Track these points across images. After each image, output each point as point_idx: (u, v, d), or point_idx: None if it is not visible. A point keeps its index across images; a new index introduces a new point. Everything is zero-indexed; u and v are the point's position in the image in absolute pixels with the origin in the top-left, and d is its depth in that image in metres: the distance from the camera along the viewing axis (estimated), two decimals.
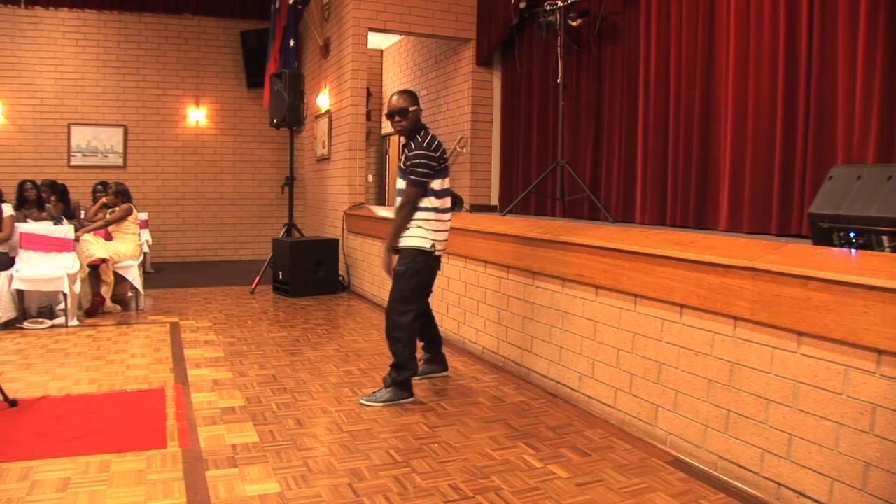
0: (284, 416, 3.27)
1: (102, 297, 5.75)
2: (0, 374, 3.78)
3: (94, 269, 5.69)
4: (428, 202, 3.47)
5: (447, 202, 3.55)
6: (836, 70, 3.53)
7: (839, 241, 2.59)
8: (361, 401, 3.49)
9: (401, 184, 3.53)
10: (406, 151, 3.50)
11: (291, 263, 6.80)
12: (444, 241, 3.57)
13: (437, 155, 3.45)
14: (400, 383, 3.50)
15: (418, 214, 3.47)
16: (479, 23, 7.33)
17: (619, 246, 3.14)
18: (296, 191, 8.18)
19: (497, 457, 2.82)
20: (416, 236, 3.46)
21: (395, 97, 3.53)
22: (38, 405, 3.37)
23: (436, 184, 3.47)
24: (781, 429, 2.39)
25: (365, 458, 2.79)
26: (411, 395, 3.53)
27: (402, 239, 3.49)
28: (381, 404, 3.44)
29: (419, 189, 3.43)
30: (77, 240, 5.66)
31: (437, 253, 3.51)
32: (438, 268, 3.60)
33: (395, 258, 3.59)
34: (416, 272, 3.47)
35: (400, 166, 3.56)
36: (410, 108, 3.49)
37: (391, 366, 3.54)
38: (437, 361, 3.99)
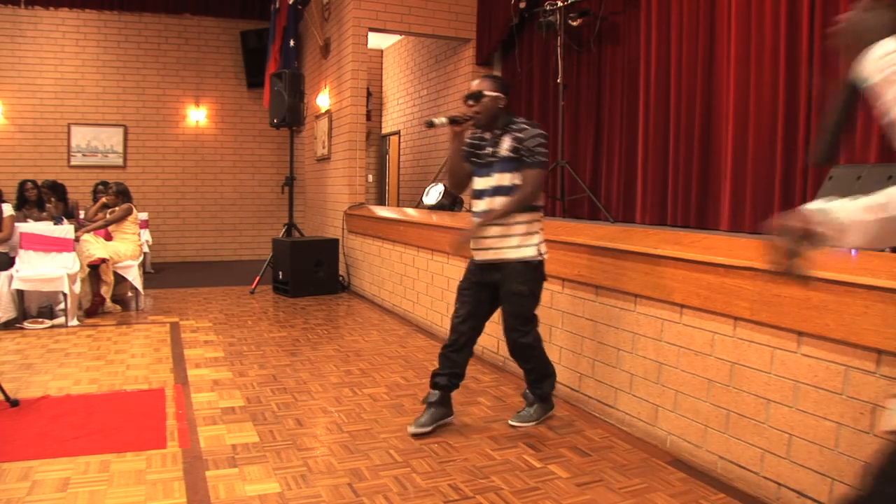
0: (284, 416, 3.27)
1: (102, 297, 5.75)
2: (0, 374, 3.78)
3: (94, 269, 5.69)
4: (540, 199, 3.00)
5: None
6: (838, 69, 3.53)
7: None
8: (511, 423, 3.17)
9: (505, 178, 2.97)
10: (506, 141, 2.95)
11: (291, 263, 6.80)
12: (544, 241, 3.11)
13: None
14: (545, 397, 3.21)
15: (526, 217, 2.96)
16: (479, 23, 7.33)
17: (619, 246, 3.14)
18: (296, 191, 8.18)
19: (497, 457, 2.82)
20: (525, 245, 2.97)
21: (477, 80, 3.04)
22: (38, 405, 3.36)
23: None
24: (781, 429, 2.39)
25: (365, 458, 2.79)
26: (552, 405, 3.29)
27: (506, 251, 2.98)
28: (534, 423, 3.17)
29: (545, 172, 2.90)
30: (77, 240, 5.66)
31: (544, 258, 3.05)
32: (545, 276, 3.12)
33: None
34: (536, 292, 3.04)
35: (492, 159, 3.02)
36: (487, 93, 2.94)
37: (532, 381, 3.19)
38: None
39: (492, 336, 4.35)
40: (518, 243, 2.97)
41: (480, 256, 3.07)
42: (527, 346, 3.08)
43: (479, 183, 3.07)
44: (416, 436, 3.02)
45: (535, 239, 2.99)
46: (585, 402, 3.46)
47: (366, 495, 2.45)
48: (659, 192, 4.87)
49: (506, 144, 2.94)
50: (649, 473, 2.67)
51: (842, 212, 1.19)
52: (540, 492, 2.49)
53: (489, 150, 3.02)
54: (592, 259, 3.33)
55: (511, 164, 2.94)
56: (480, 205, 3.05)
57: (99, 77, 9.49)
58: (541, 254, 3.00)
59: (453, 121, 2.98)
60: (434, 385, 3.15)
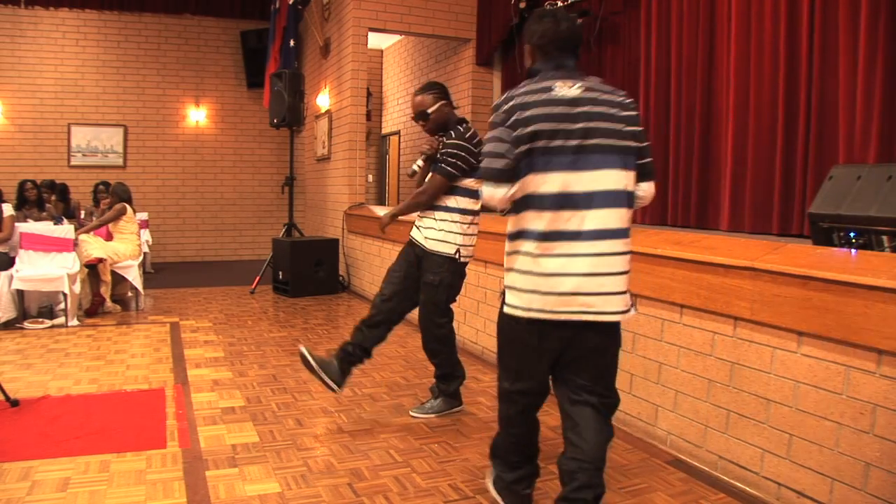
0: (284, 416, 3.27)
1: (102, 297, 5.75)
2: (0, 374, 3.78)
3: (93, 269, 5.69)
4: (455, 202, 3.16)
5: (479, 204, 3.20)
6: (837, 69, 3.53)
7: (839, 241, 2.59)
8: (412, 413, 3.33)
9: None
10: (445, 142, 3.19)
11: (291, 263, 6.80)
12: (472, 246, 3.27)
13: (476, 150, 3.09)
14: (450, 394, 3.37)
15: (444, 215, 3.17)
16: (479, 23, 7.33)
17: None
18: (296, 191, 8.19)
19: None
20: (442, 241, 3.16)
21: (416, 97, 3.25)
22: (38, 405, 3.36)
23: (470, 182, 3.13)
24: (781, 429, 2.39)
25: (365, 458, 2.79)
26: (461, 402, 3.42)
27: (428, 242, 3.19)
28: (433, 415, 3.31)
29: (445, 180, 3.12)
30: (75, 240, 5.65)
31: (462, 259, 3.21)
32: (464, 275, 3.30)
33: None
34: (449, 284, 3.21)
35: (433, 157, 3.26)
36: (430, 111, 3.19)
37: (439, 376, 3.37)
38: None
39: (492, 336, 4.35)
40: (440, 238, 3.18)
41: (412, 236, 3.34)
42: (440, 339, 3.27)
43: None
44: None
45: (457, 239, 3.17)
46: None
47: (366, 495, 2.45)
48: (659, 192, 4.82)
49: (442, 147, 3.21)
50: (649, 473, 2.67)
51: None
52: (540, 492, 2.49)
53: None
54: None
55: (435, 164, 3.21)
56: None
57: (99, 77, 9.49)
58: (459, 254, 3.19)
59: (427, 158, 3.26)
60: (342, 349, 3.28)
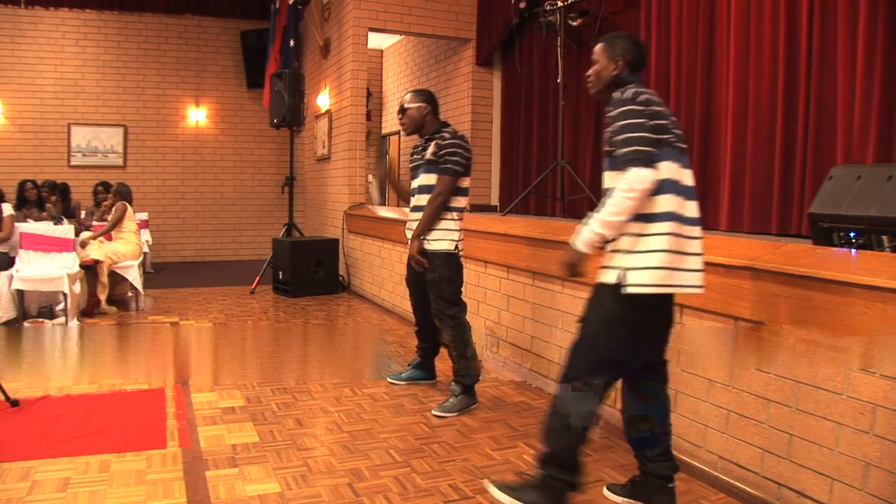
0: (284, 416, 3.27)
1: (98, 298, 5.75)
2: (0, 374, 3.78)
3: (89, 270, 5.68)
4: (455, 202, 3.38)
5: (466, 203, 3.48)
6: (836, 70, 3.53)
7: (839, 241, 2.59)
8: (434, 412, 3.32)
9: (428, 179, 3.40)
10: (430, 146, 3.37)
11: (291, 263, 6.80)
12: (463, 240, 3.50)
13: (469, 151, 3.37)
14: (470, 390, 3.42)
15: (443, 214, 3.36)
16: (479, 23, 7.33)
17: None
18: (296, 191, 8.18)
19: (497, 457, 2.82)
20: (441, 238, 3.36)
21: (406, 94, 3.52)
22: (38, 405, 3.37)
23: (465, 182, 3.39)
24: (781, 429, 2.39)
25: (365, 458, 2.79)
26: (476, 400, 3.45)
27: (427, 242, 3.37)
28: (454, 414, 3.31)
29: (454, 179, 3.33)
30: (83, 245, 5.64)
31: (460, 252, 3.42)
32: (462, 265, 3.49)
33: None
34: (449, 277, 3.37)
35: (420, 161, 3.46)
36: (407, 106, 3.44)
37: (456, 370, 3.43)
38: (427, 368, 3.87)
39: (491, 337, 4.36)
40: (439, 237, 3.37)
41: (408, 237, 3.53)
42: (457, 327, 3.39)
43: (413, 182, 3.54)
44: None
45: (454, 235, 3.39)
46: None
47: (366, 495, 2.45)
48: None
49: (430, 149, 3.39)
50: None
51: (579, 241, 2.24)
52: None
53: (419, 154, 3.49)
54: (592, 259, 3.32)
55: (432, 166, 3.37)
56: (412, 201, 3.52)
57: (99, 77, 9.49)
58: (457, 248, 3.40)
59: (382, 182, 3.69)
60: (418, 350, 3.84)
